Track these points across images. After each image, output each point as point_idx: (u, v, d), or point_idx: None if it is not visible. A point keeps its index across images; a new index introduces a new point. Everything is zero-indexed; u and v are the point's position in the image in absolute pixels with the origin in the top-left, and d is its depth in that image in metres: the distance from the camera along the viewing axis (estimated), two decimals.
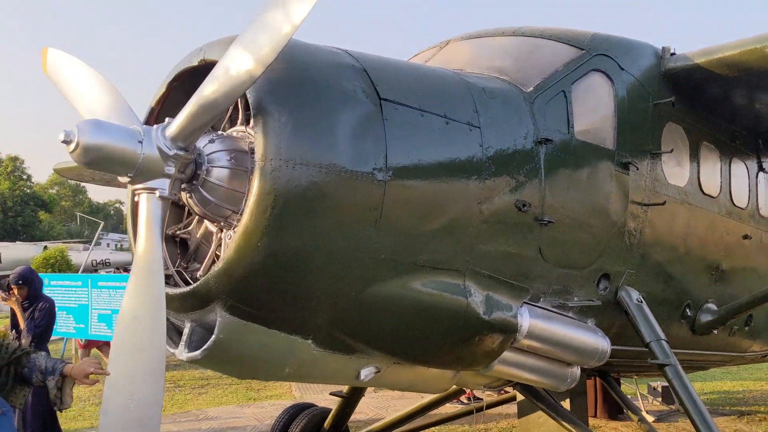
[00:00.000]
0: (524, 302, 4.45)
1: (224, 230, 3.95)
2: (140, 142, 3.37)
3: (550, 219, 4.42)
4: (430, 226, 3.88)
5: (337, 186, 3.46)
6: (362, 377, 4.28)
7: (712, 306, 6.16)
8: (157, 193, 3.45)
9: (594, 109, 4.91)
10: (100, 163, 3.35)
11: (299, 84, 3.50)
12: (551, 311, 4.63)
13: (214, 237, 4.04)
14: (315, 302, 3.66)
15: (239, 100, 3.73)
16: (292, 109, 3.43)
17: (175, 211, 4.37)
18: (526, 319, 4.38)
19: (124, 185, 3.68)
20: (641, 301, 5.11)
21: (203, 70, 3.92)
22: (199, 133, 3.54)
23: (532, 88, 4.60)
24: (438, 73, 4.31)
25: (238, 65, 3.24)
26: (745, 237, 6.59)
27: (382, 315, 3.87)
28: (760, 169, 6.93)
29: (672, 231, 5.60)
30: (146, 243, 3.49)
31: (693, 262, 5.92)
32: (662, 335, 4.99)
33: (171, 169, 3.45)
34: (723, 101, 5.95)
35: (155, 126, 3.47)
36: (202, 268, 4.05)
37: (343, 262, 3.60)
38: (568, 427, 5.28)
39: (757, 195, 6.83)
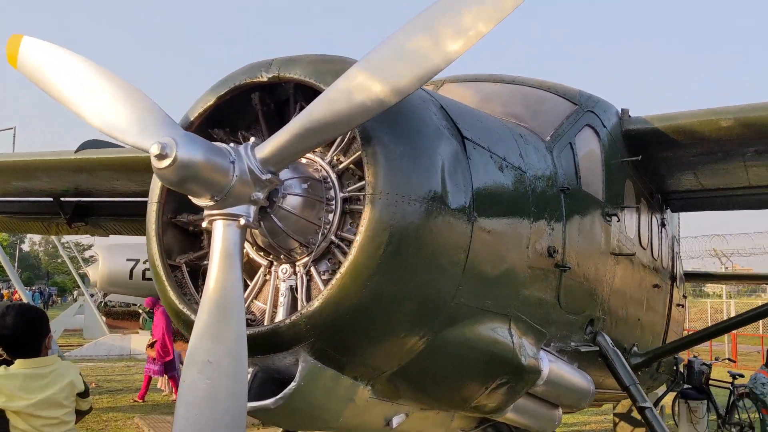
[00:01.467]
0: (541, 347, 4.54)
1: (276, 263, 3.61)
2: (232, 162, 2.99)
3: (569, 265, 4.57)
4: (497, 269, 3.84)
5: (442, 225, 3.31)
6: (394, 424, 4.08)
7: (636, 350, 6.69)
8: (242, 221, 3.06)
9: (588, 162, 5.18)
10: (190, 182, 2.92)
11: (404, 115, 3.31)
12: (556, 356, 4.76)
13: (260, 271, 3.67)
14: (394, 347, 3.44)
15: None
16: (405, 140, 3.24)
17: (179, 236, 3.94)
18: (546, 364, 4.47)
19: None
20: (614, 346, 5.42)
21: (269, 87, 3.63)
22: (297, 157, 3.22)
23: (549, 138, 4.76)
24: (485, 115, 4.31)
25: (366, 90, 2.97)
26: (655, 286, 7.28)
27: (444, 360, 3.74)
28: (662, 224, 7.73)
29: (625, 279, 6.03)
30: (223, 277, 3.06)
31: (631, 309, 6.41)
32: (636, 379, 5.32)
33: (259, 195, 3.08)
34: (655, 162, 6.57)
35: (243, 145, 3.10)
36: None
37: (431, 305, 3.43)
38: None
39: (661, 247, 7.59)
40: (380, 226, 3.11)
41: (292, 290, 3.56)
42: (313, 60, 3.44)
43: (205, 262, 3.85)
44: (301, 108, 3.65)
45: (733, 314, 31.92)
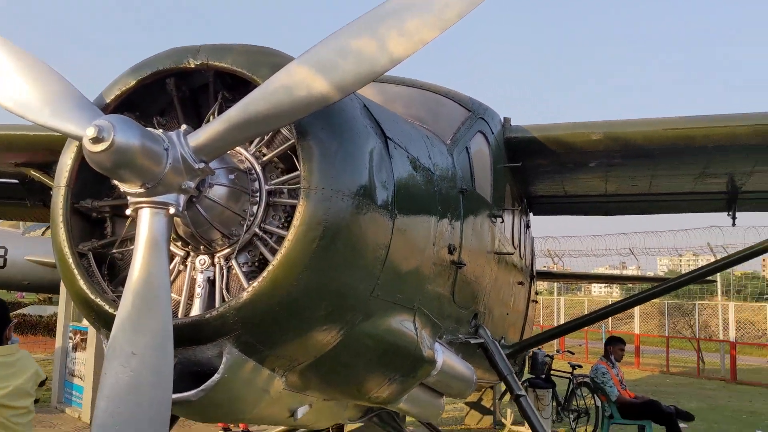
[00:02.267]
0: (436, 339, 4.76)
1: (193, 254, 3.54)
2: (166, 149, 2.92)
3: (464, 263, 4.83)
4: (410, 265, 3.99)
5: (370, 221, 3.41)
6: (298, 415, 4.13)
7: (504, 342, 7.16)
8: (171, 210, 3.00)
9: (480, 166, 5.48)
10: (124, 168, 2.83)
11: (336, 112, 3.36)
12: (447, 348, 5.00)
13: (174, 262, 3.58)
14: (314, 340, 3.49)
15: None
16: (339, 137, 3.30)
17: (80, 223, 3.76)
18: (440, 356, 4.69)
19: None
20: (493, 338, 5.78)
21: (186, 73, 3.54)
22: (231, 148, 3.19)
23: (449, 141, 5.00)
24: (399, 116, 4.44)
25: (309, 86, 3.00)
26: (520, 283, 7.82)
27: (356, 352, 3.83)
28: (527, 226, 8.31)
29: (501, 277, 6.44)
30: (149, 267, 2.99)
31: (504, 305, 6.85)
32: (512, 369, 5.72)
33: (190, 184, 3.04)
34: (529, 169, 7.06)
35: (175, 132, 3.03)
36: None
37: (353, 299, 3.51)
38: None
39: (525, 247, 8.15)
40: (315, 220, 3.15)
41: (210, 282, 3.51)
42: (248, 50, 3.41)
43: (112, 251, 3.72)
44: (225, 98, 3.61)
45: (562, 310, 34.57)
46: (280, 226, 3.44)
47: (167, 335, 2.96)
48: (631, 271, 38.07)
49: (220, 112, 3.36)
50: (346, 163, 3.30)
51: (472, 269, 5.19)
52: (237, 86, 3.57)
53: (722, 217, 8.32)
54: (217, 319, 3.17)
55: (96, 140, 2.69)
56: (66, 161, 3.57)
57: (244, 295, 3.15)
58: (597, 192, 7.87)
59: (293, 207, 3.28)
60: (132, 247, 3.19)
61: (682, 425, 10.24)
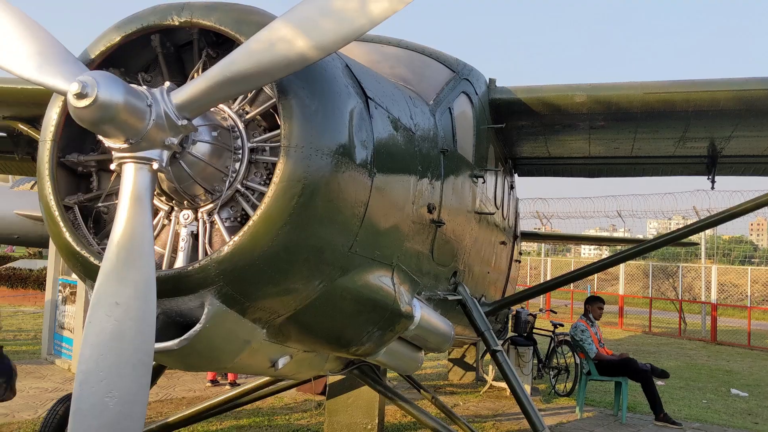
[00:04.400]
0: (415, 295, 4.91)
1: (177, 209, 3.64)
2: (149, 106, 3.00)
3: (443, 222, 4.96)
4: (388, 222, 4.11)
5: (348, 180, 3.51)
6: (279, 366, 4.28)
7: (484, 300, 7.34)
8: (154, 165, 3.09)
9: (463, 127, 5.57)
10: (107, 123, 2.90)
11: (317, 71, 3.43)
12: (425, 303, 5.16)
13: (159, 216, 3.68)
14: (293, 293, 3.62)
15: None
16: (319, 96, 3.37)
17: (66, 177, 3.84)
18: (418, 311, 4.84)
19: None
20: (472, 296, 5.94)
21: (178, 31, 3.60)
22: (214, 106, 3.27)
23: (432, 102, 5.07)
24: (381, 76, 4.50)
25: (290, 44, 3.06)
26: (502, 243, 7.97)
27: (335, 306, 3.96)
28: (511, 187, 8.42)
29: (482, 236, 6.58)
30: (133, 220, 3.08)
31: (484, 263, 7.00)
32: (490, 326, 5.89)
33: (173, 141, 3.12)
34: (513, 130, 7.15)
35: (158, 89, 3.10)
36: None
37: (331, 254, 3.63)
38: (404, 405, 5.89)
39: (509, 208, 8.28)
40: (294, 177, 3.25)
41: (193, 236, 3.62)
42: (232, 8, 3.45)
43: (98, 205, 3.82)
44: (209, 55, 3.67)
45: (549, 271, 34.96)
46: (262, 182, 3.53)
47: (150, 286, 3.07)
48: (620, 233, 38.38)
49: (204, 70, 3.43)
50: (326, 121, 3.38)
51: (452, 228, 5.31)
52: (223, 43, 3.64)
53: (705, 181, 8.45)
54: (199, 271, 3.28)
55: (80, 96, 2.75)
56: (51, 116, 3.64)
57: (225, 249, 3.27)
58: (581, 154, 7.97)
59: (275, 164, 3.38)
60: (117, 201, 3.29)
61: (658, 382, 10.54)
